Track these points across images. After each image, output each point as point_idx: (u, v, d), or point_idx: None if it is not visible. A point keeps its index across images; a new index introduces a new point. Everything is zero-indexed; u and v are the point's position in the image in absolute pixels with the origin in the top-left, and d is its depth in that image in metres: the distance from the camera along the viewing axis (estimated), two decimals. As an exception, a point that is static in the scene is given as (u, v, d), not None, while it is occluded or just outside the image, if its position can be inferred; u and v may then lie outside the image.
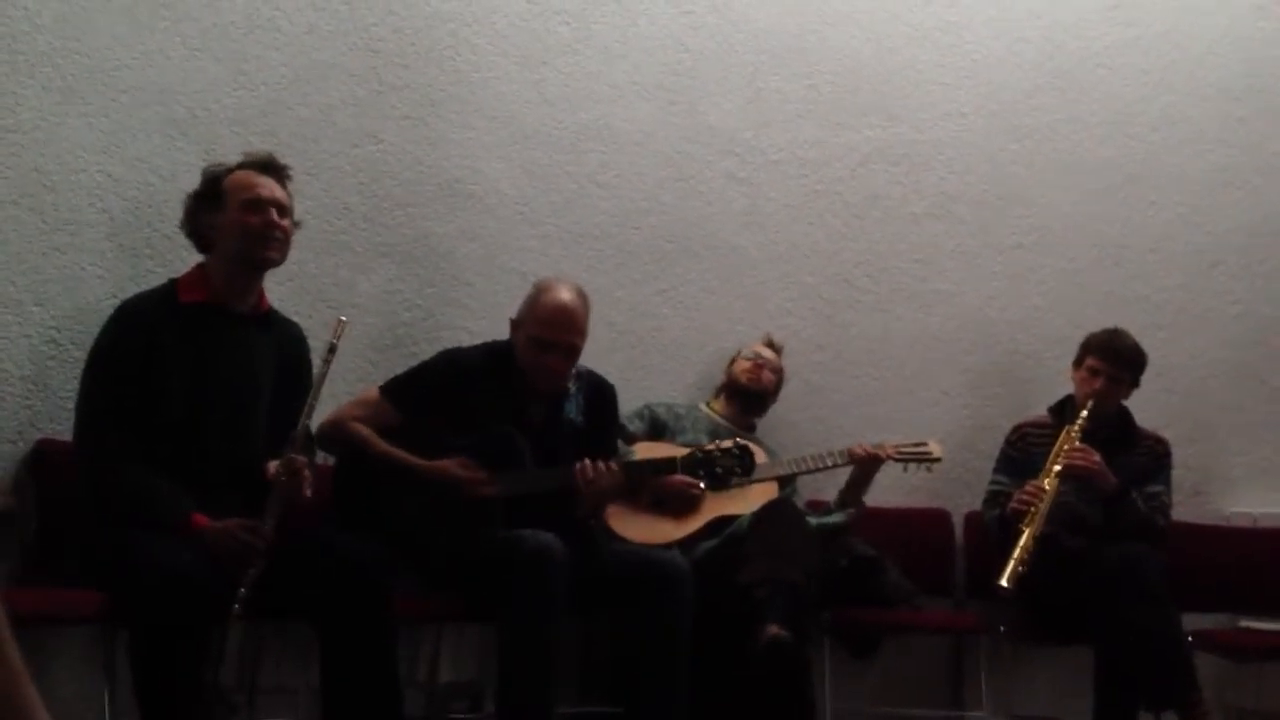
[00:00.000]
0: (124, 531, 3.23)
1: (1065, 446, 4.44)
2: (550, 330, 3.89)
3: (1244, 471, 5.35)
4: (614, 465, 3.92)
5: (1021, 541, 4.22)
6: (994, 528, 4.56)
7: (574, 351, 3.95)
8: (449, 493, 3.76)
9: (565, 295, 3.94)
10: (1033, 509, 4.30)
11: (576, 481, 3.85)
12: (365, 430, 3.86)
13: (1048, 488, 4.34)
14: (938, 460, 4.58)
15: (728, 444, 3.99)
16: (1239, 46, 5.51)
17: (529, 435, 3.85)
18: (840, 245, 5.29)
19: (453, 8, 4.82)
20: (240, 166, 3.60)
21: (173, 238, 4.12)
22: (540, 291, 3.98)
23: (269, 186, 3.56)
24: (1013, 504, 4.40)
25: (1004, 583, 4.13)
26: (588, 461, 3.85)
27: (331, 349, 3.43)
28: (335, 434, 3.88)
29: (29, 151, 4.02)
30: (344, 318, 3.50)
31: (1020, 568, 4.16)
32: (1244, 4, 5.51)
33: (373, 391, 4.01)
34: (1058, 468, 4.40)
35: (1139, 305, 5.35)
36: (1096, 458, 4.40)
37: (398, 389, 3.98)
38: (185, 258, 4.07)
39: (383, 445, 3.84)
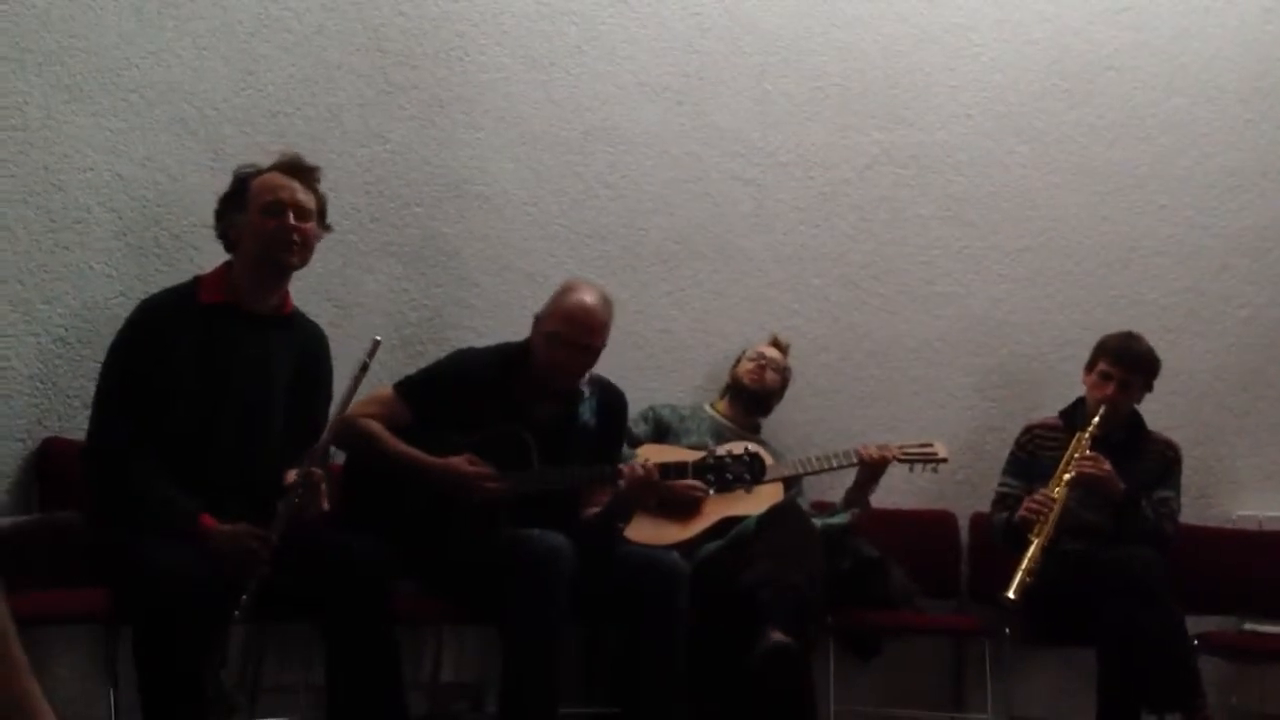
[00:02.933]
0: (130, 531, 3.24)
1: (1075, 454, 4.41)
2: (568, 327, 3.89)
3: (1250, 474, 5.34)
4: (653, 468, 3.92)
5: (1029, 553, 4.18)
6: (1000, 531, 4.55)
7: (588, 351, 3.94)
8: (456, 491, 3.77)
9: (589, 296, 3.94)
10: (1041, 519, 4.28)
11: (584, 482, 3.90)
12: (377, 427, 3.86)
13: (1057, 496, 4.31)
14: (943, 461, 4.57)
15: (739, 450, 3.98)
16: (1247, 49, 5.50)
17: (537, 436, 3.86)
18: (847, 247, 5.30)
19: (461, 9, 4.84)
20: (271, 168, 3.60)
21: (181, 236, 4.16)
22: (566, 290, 3.98)
23: (290, 189, 3.53)
24: (1021, 512, 4.37)
25: (1011, 595, 4.10)
26: (635, 465, 3.89)
27: (364, 367, 3.40)
28: (347, 430, 3.88)
29: (37, 150, 4.03)
30: (378, 337, 3.43)
31: (1028, 579, 4.13)
32: (1253, 7, 5.50)
33: (386, 389, 4.01)
34: (1068, 476, 4.36)
35: (1147, 308, 5.34)
36: (1107, 465, 4.37)
37: (411, 387, 3.99)
38: (194, 256, 4.10)
39: (393, 442, 3.84)
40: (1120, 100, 5.48)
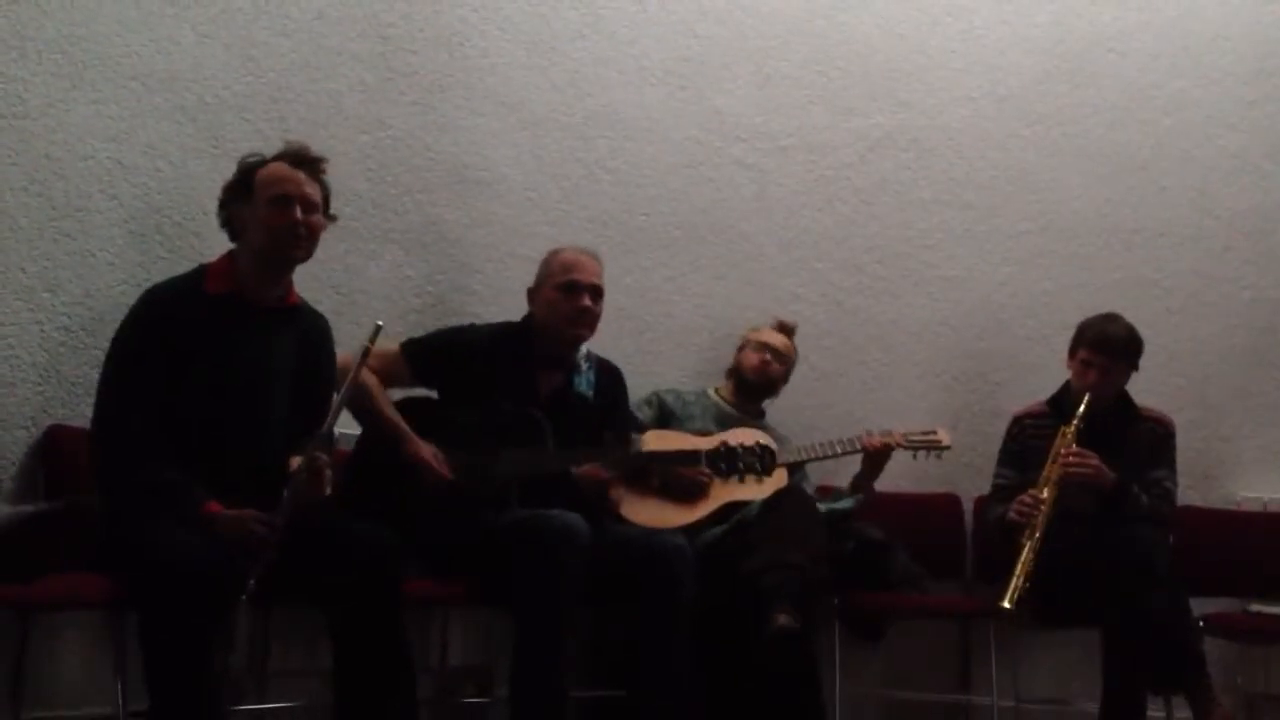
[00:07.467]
0: (137, 518, 3.23)
1: (1061, 450, 4.33)
2: (576, 272, 4.06)
3: (1254, 455, 5.34)
4: (603, 473, 4.01)
5: (1022, 558, 4.14)
6: (996, 528, 4.50)
7: (599, 293, 4.09)
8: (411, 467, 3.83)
9: (577, 249, 4.17)
10: (1031, 522, 4.22)
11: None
12: (374, 381, 3.90)
13: (1045, 498, 4.25)
14: (947, 448, 4.57)
15: (753, 443, 4.04)
16: (1249, 30, 5.49)
17: (545, 411, 3.91)
18: (849, 231, 5.30)
19: (461, -6, 4.84)
20: (276, 158, 3.57)
21: (182, 224, 4.16)
22: (552, 253, 4.18)
23: (297, 182, 3.49)
24: (1011, 515, 4.32)
25: (1006, 604, 4.07)
26: (587, 470, 3.96)
27: (366, 353, 3.38)
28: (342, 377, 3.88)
29: (38, 138, 4.02)
30: (380, 322, 3.39)
31: (1025, 582, 4.09)
32: (1254, -12, 5.50)
33: (393, 345, 4.04)
34: (1055, 476, 4.30)
35: (1149, 290, 5.34)
36: (1095, 460, 4.30)
37: (417, 348, 4.07)
38: (195, 244, 4.11)
39: (385, 403, 3.93)
40: (1122, 82, 5.47)
